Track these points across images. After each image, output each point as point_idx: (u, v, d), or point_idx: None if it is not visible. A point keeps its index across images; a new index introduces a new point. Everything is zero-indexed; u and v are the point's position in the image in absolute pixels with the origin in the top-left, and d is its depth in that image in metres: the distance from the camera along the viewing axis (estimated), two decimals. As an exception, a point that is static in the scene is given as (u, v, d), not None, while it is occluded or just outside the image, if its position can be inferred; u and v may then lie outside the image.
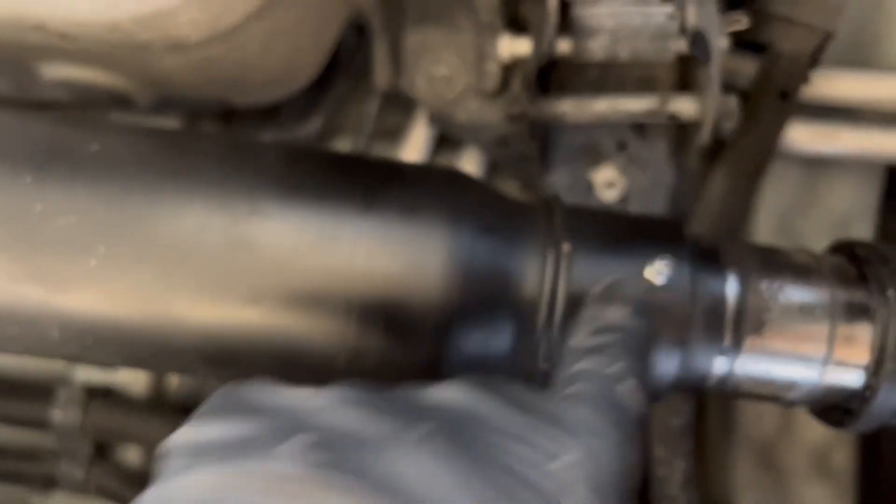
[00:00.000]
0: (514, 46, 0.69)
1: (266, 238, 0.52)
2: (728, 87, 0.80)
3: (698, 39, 0.63)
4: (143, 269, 0.51)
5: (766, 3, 0.72)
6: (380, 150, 0.93)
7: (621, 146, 0.80)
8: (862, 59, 0.83)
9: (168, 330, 0.52)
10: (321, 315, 0.52)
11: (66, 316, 0.52)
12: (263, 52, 0.70)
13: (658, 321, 0.55)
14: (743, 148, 0.75)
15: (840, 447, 0.88)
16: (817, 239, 0.90)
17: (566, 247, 0.55)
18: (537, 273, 0.55)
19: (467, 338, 0.53)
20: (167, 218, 0.52)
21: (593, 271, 0.55)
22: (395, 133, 0.92)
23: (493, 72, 0.72)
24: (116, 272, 0.51)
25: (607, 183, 0.79)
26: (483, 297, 0.54)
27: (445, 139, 0.90)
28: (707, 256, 0.58)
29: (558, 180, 0.81)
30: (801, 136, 0.80)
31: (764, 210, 0.88)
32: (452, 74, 0.75)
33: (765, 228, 0.88)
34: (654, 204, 0.81)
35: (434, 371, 0.54)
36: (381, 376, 0.55)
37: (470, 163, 0.91)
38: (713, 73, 0.65)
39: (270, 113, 0.90)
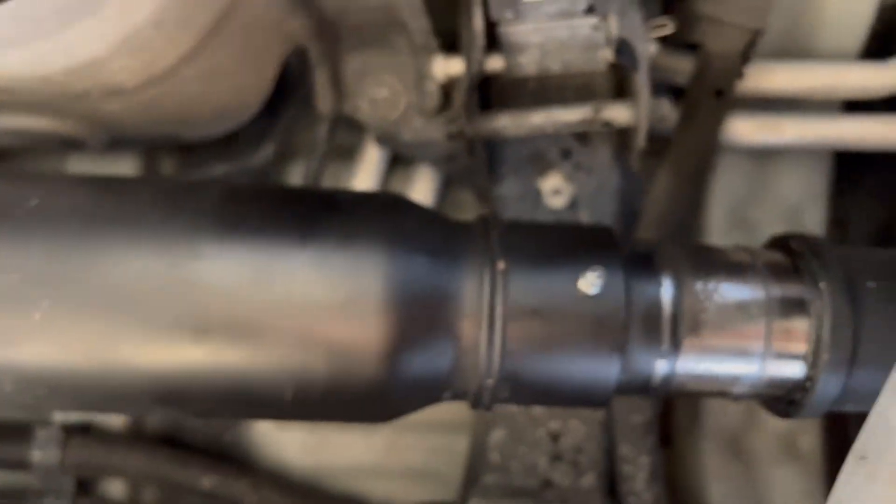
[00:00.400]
0: (447, 66, 0.71)
1: (205, 279, 0.53)
2: (668, 86, 0.81)
3: (623, 47, 0.65)
4: (88, 318, 0.52)
5: (695, 4, 0.74)
6: (335, 171, 0.94)
7: (566, 154, 0.81)
8: (797, 49, 0.84)
9: (117, 375, 0.53)
10: (264, 349, 0.53)
11: (17, 370, 0.53)
12: (205, 91, 0.72)
13: (595, 330, 0.57)
14: (683, 147, 0.76)
15: (806, 430, 0.90)
16: (771, 229, 0.91)
17: (501, 265, 0.57)
18: (475, 292, 0.56)
19: (410, 360, 0.55)
20: (108, 266, 0.53)
21: (529, 287, 0.57)
22: (350, 153, 0.93)
23: (432, 91, 0.74)
24: (62, 323, 0.52)
25: (554, 190, 0.80)
26: (423, 321, 0.55)
27: (399, 157, 0.91)
28: (641, 262, 0.60)
29: (507, 191, 0.82)
30: (745, 130, 0.81)
31: (716, 204, 0.90)
32: (394, 95, 0.76)
33: (718, 222, 0.90)
34: (603, 207, 0.82)
35: (381, 395, 0.56)
36: (328, 405, 0.57)
37: (423, 179, 0.92)
38: (641, 79, 0.66)
39: (226, 143, 0.91)
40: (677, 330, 0.58)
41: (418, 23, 0.66)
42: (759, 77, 0.80)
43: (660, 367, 0.59)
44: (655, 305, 0.58)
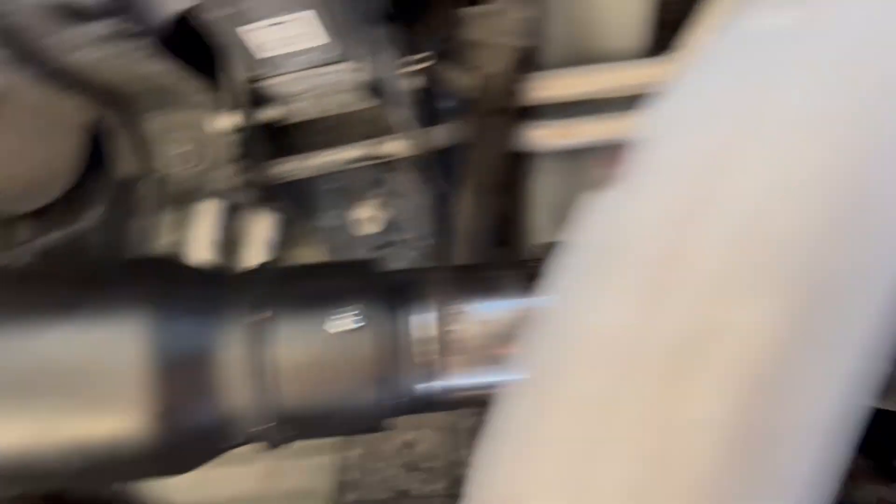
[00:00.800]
0: (229, 121, 0.74)
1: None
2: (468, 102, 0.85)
3: (378, 87, 0.68)
4: None
5: (463, 30, 0.77)
6: (178, 219, 0.97)
7: (377, 182, 0.85)
8: (591, 54, 0.88)
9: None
10: (43, 426, 0.56)
11: None
12: (3, 170, 0.75)
13: (362, 363, 0.60)
14: (478, 164, 0.80)
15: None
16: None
17: (265, 315, 0.60)
18: (240, 346, 0.60)
19: (180, 423, 0.58)
20: None
21: (292, 333, 0.60)
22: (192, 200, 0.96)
23: (227, 143, 0.77)
24: None
25: (369, 218, 0.84)
26: (188, 383, 0.58)
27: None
28: (402, 291, 0.64)
29: (328, 223, 0.86)
30: (544, 136, 0.85)
31: (538, 207, 0.94)
32: (198, 148, 0.79)
33: (543, 225, 0.94)
34: (423, 227, 0.86)
35: (161, 458, 0.59)
36: (118, 471, 0.60)
37: (262, 216, 0.96)
38: (401, 115, 0.70)
39: (63, 205, 0.94)
40: (442, 352, 0.62)
41: (184, 86, 0.69)
42: (547, 86, 0.83)
43: (428, 389, 0.62)
44: (416, 332, 0.62)
